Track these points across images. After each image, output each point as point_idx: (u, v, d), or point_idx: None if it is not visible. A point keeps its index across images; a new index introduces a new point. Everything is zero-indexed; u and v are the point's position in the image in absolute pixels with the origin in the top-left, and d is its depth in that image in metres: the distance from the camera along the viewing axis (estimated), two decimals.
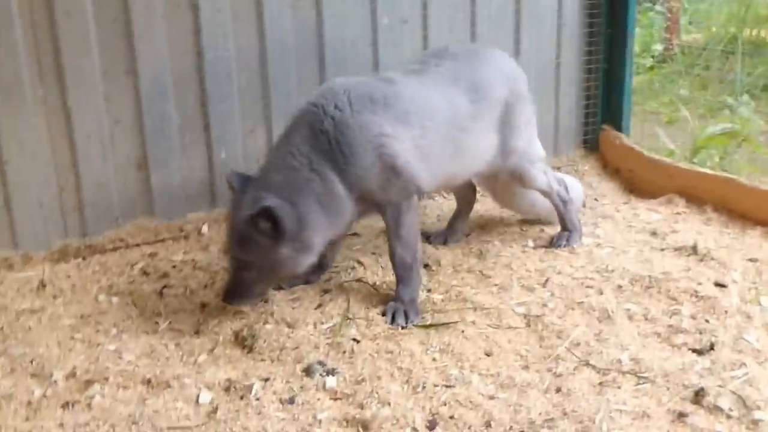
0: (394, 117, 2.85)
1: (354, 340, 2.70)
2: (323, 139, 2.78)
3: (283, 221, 2.67)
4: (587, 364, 2.52)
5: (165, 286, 3.14)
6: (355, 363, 2.56)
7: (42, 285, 3.17)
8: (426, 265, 3.27)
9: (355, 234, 3.55)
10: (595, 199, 4.09)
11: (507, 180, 3.43)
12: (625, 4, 4.30)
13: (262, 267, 2.76)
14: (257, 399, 2.38)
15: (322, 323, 2.82)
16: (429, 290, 3.07)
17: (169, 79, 3.49)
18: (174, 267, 3.31)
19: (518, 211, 3.74)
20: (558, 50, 4.36)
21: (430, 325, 2.80)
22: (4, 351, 2.69)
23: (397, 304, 2.89)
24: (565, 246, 3.42)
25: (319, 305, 2.95)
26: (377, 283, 3.14)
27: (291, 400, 2.38)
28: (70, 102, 3.33)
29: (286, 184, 2.76)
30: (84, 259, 3.41)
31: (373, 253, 3.43)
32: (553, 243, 3.46)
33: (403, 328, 2.79)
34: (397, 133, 2.83)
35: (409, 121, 2.88)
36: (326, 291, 3.08)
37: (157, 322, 2.88)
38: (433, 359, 2.59)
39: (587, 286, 3.06)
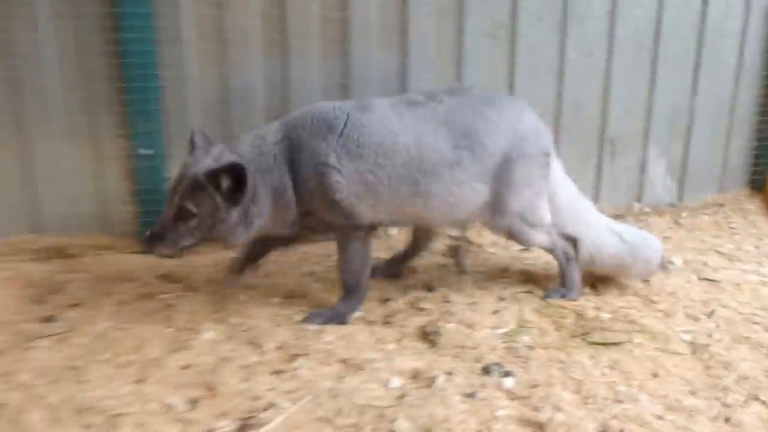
0: (345, 148, 2.77)
1: (528, 346, 2.76)
2: (289, 149, 2.79)
3: (247, 183, 2.66)
4: (757, 398, 2.46)
5: None
6: (529, 368, 2.60)
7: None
8: (593, 285, 3.29)
9: (526, 249, 3.62)
10: (759, 239, 3.95)
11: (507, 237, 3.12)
12: None
13: (203, 223, 2.70)
14: (441, 390, 2.46)
15: (498, 328, 2.89)
16: (597, 308, 3.08)
17: None
18: None
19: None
20: (735, 91, 4.23)
21: (599, 343, 2.81)
22: (224, 319, 2.93)
23: (326, 311, 2.94)
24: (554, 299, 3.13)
25: (495, 311, 3.03)
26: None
27: (472, 395, 2.44)
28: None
29: (253, 159, 2.76)
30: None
31: (544, 269, 3.48)
32: (546, 294, 3.18)
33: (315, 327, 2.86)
34: (343, 165, 2.77)
35: (361, 154, 2.78)
36: (501, 299, 3.15)
37: None
38: (603, 374, 2.60)
39: (754, 323, 2.98)
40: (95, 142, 3.41)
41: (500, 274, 3.41)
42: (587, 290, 3.27)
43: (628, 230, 3.28)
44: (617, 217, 4.09)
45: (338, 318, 2.92)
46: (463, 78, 3.77)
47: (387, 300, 3.14)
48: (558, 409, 2.36)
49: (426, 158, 2.82)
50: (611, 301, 3.16)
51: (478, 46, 3.75)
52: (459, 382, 2.51)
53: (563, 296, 3.16)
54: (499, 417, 2.33)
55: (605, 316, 3.02)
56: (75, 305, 3.03)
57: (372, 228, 2.96)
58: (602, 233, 3.20)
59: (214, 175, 2.64)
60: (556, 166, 3.17)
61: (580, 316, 3.00)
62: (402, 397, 2.42)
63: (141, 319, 2.93)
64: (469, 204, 2.92)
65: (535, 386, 2.50)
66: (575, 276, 3.18)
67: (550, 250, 3.18)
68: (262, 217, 2.77)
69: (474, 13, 3.71)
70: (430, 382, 2.51)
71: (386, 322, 2.95)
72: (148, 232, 2.73)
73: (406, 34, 3.65)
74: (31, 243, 3.51)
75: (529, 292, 3.23)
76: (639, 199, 4.24)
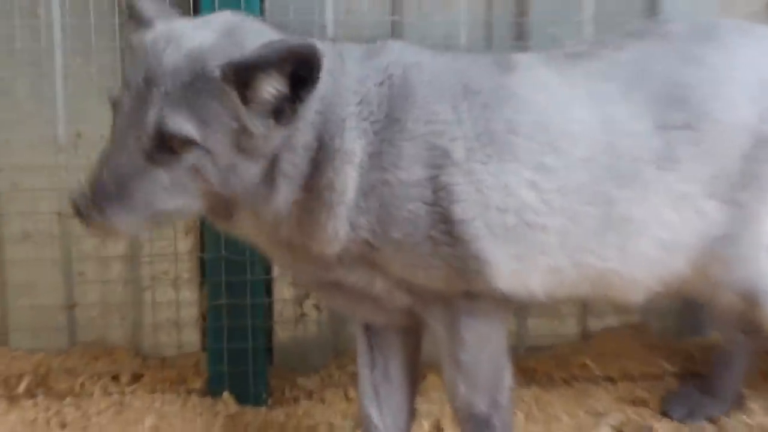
0: (486, 133, 1.46)
1: None
2: (375, 98, 1.48)
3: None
4: None
5: None
6: None
7: None
8: None
9: None
10: None
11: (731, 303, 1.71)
12: None
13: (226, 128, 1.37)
14: None
15: None
16: None
17: None
18: None
19: None
20: None
21: None
22: None
23: None
24: None
25: None
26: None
27: None
28: None
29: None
30: None
31: None
32: None
33: None
34: (475, 162, 1.45)
35: (512, 149, 1.47)
36: None
37: None
38: None
39: None
40: None
41: None
42: None
43: None
44: None
45: None
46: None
47: None
48: None
49: (620, 148, 1.53)
50: None
51: None
52: None
53: None
54: None
55: None
56: None
57: (507, 301, 1.56)
58: None
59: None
60: None
61: None
62: None
63: None
64: (691, 242, 1.56)
65: None
66: None
67: None
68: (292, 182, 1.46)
69: None
70: None
71: None
72: None
73: None
74: None
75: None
76: None
